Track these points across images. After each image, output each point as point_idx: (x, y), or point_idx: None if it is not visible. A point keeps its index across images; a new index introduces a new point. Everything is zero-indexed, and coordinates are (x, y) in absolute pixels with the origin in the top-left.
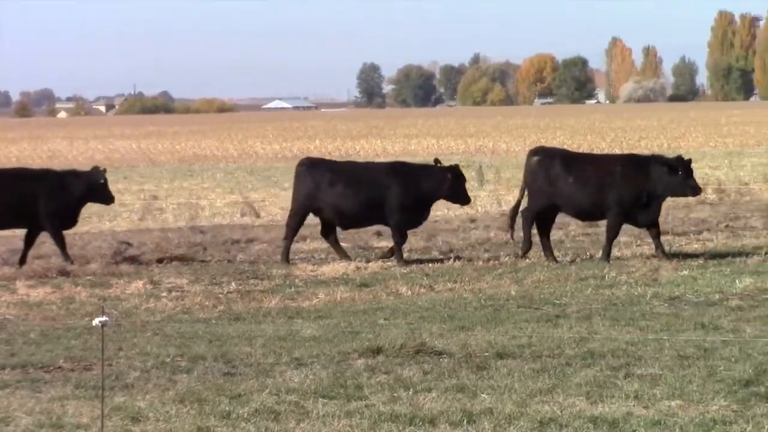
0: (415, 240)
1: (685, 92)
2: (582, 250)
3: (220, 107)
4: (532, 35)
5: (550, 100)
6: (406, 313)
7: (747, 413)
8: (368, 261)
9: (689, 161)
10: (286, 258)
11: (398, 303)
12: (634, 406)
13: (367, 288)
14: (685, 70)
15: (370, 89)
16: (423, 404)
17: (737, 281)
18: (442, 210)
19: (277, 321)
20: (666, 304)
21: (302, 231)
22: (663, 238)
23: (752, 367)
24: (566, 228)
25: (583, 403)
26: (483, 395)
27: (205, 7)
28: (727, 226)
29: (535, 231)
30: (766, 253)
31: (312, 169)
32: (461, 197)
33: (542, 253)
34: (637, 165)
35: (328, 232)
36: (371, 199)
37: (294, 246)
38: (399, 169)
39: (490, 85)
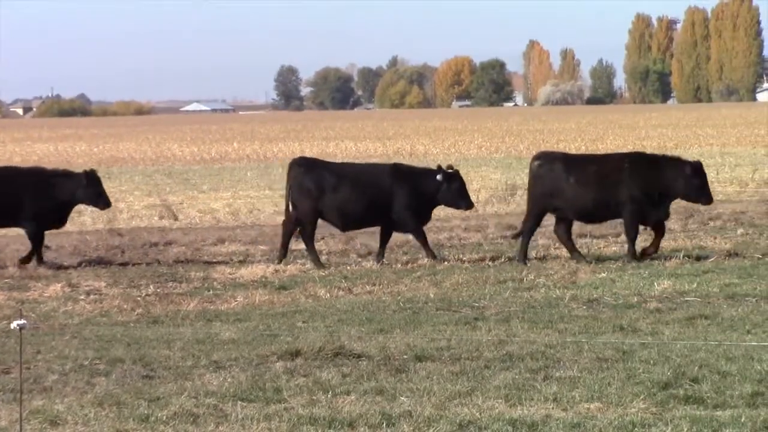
0: (333, 243)
1: (603, 95)
2: (500, 252)
3: (138, 109)
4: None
5: (468, 102)
6: (324, 316)
7: (666, 415)
8: (287, 263)
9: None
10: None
11: (317, 306)
12: (552, 408)
13: (285, 291)
14: (603, 72)
15: (287, 92)
16: (342, 407)
17: (655, 283)
18: None
19: (195, 324)
20: (584, 307)
21: (221, 233)
22: (581, 241)
23: (671, 370)
24: (484, 231)
25: (502, 406)
26: (402, 398)
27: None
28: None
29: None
30: (684, 256)
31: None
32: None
33: (461, 256)
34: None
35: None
36: (374, 201)
37: (212, 249)
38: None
39: (408, 87)
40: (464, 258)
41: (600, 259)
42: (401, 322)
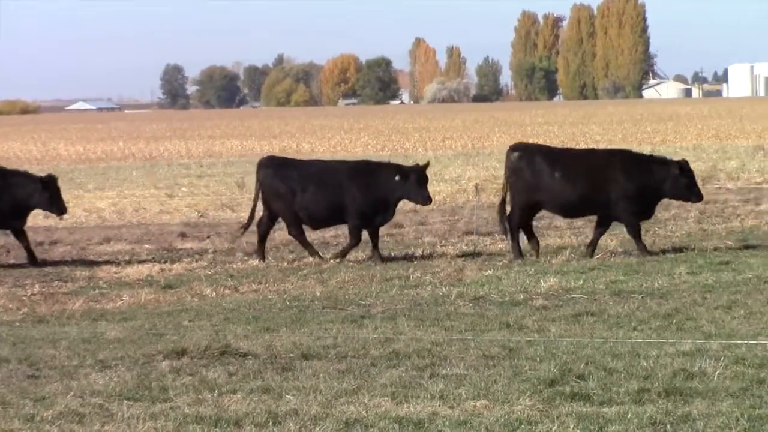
0: (219, 241)
1: (489, 93)
2: (387, 250)
3: (23, 109)
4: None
5: (354, 100)
6: (210, 315)
7: (552, 413)
8: (173, 262)
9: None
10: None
11: (203, 305)
12: (439, 406)
13: (171, 290)
14: (489, 70)
15: (173, 90)
16: (228, 406)
17: (542, 281)
18: (246, 211)
19: (81, 323)
20: (471, 304)
21: (107, 232)
22: (468, 238)
23: (557, 367)
24: None
25: (388, 404)
26: (288, 396)
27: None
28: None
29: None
30: (570, 253)
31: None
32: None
33: (355, 255)
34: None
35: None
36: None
37: (98, 248)
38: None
39: (294, 86)
40: (350, 256)
41: (487, 257)
42: (287, 321)
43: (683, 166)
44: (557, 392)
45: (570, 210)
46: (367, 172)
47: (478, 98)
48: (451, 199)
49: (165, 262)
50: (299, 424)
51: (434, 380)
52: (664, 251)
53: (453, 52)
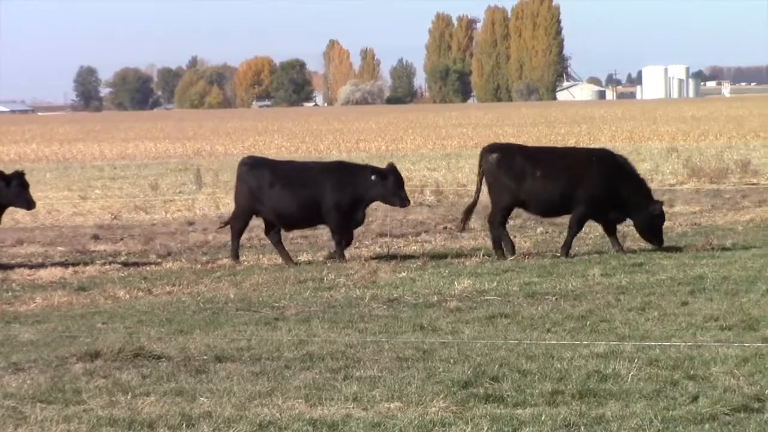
0: (132, 243)
1: (403, 95)
2: (300, 251)
3: None
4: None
5: (268, 102)
6: (124, 317)
7: (466, 414)
8: (86, 264)
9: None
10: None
11: (116, 307)
12: (353, 408)
13: (84, 292)
14: (403, 72)
15: (87, 93)
16: (142, 408)
17: (456, 283)
18: (159, 213)
19: None
20: (385, 306)
21: (20, 234)
22: (381, 240)
23: (471, 369)
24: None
25: (302, 406)
26: (202, 399)
27: None
28: (445, 227)
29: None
30: (484, 255)
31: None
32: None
33: (261, 256)
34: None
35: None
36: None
37: (11, 250)
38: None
39: (207, 88)
40: (264, 258)
41: (401, 259)
42: (201, 323)
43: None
44: (471, 394)
45: (551, 210)
46: (342, 172)
47: (392, 100)
48: None
49: (78, 264)
50: (213, 427)
51: (348, 382)
52: (577, 253)
53: (367, 54)
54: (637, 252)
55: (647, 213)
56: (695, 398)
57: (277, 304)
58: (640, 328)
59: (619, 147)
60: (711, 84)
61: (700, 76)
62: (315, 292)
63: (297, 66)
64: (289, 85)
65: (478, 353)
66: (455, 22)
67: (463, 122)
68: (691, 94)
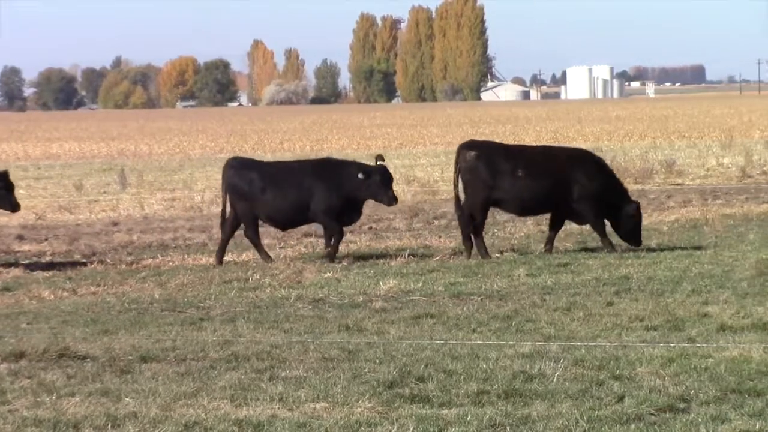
0: (57, 243)
1: (328, 95)
2: (227, 252)
3: None
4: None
5: (192, 103)
6: (49, 318)
7: (392, 415)
8: (11, 265)
9: None
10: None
11: (41, 307)
12: (278, 408)
13: (9, 292)
14: (327, 72)
15: (10, 92)
16: (67, 409)
17: (381, 283)
18: (84, 213)
19: None
20: (310, 306)
21: None
22: (307, 240)
23: (396, 369)
24: (209, 231)
25: (227, 406)
26: (127, 399)
27: None
28: (370, 228)
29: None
30: (409, 255)
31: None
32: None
33: (186, 256)
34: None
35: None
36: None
37: None
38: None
39: (131, 88)
40: (189, 258)
41: (326, 258)
42: (126, 323)
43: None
44: (397, 394)
45: (529, 209)
46: (330, 170)
47: (317, 100)
48: None
49: (2, 264)
50: (138, 427)
51: (273, 383)
52: (502, 252)
53: (291, 54)
54: (562, 252)
55: (623, 213)
56: (621, 398)
57: (202, 305)
58: (565, 329)
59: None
60: (635, 84)
61: (624, 77)
62: (240, 293)
63: (221, 66)
64: (214, 85)
65: (404, 353)
66: (380, 23)
67: (388, 122)
68: (616, 94)
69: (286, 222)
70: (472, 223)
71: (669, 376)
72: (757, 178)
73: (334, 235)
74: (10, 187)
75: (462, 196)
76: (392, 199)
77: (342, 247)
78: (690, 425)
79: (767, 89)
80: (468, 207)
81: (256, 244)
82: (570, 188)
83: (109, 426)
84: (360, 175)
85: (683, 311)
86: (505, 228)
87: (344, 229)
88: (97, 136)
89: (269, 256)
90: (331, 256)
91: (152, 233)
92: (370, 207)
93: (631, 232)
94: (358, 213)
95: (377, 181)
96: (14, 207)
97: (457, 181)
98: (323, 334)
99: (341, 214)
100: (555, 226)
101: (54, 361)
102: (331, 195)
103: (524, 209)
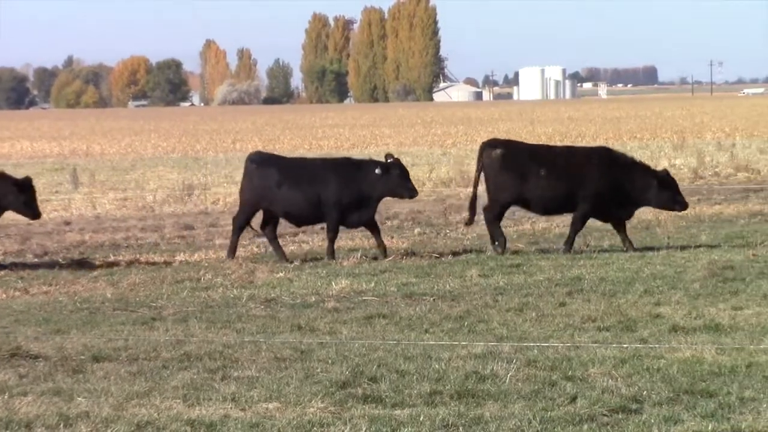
0: (9, 243)
1: (280, 95)
2: (177, 251)
3: None
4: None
5: (144, 102)
6: (0, 317)
7: (344, 415)
8: None
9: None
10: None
11: None
12: (231, 408)
13: None
14: (280, 72)
15: None
16: (19, 408)
17: (333, 283)
18: None
19: None
20: (262, 306)
21: None
22: (260, 240)
23: (349, 369)
24: (161, 230)
25: (180, 406)
26: (79, 399)
27: None
28: (322, 228)
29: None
30: (361, 255)
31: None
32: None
33: (138, 256)
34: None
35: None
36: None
37: None
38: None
39: (83, 87)
40: (141, 257)
41: (279, 258)
42: (78, 323)
43: (661, 177)
44: (349, 394)
45: (553, 207)
46: (349, 168)
47: (269, 100)
48: None
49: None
50: (90, 427)
51: (226, 382)
52: (455, 253)
53: (243, 54)
54: (515, 253)
55: (655, 190)
56: (573, 399)
57: (154, 304)
58: (518, 329)
59: None
60: (587, 85)
61: (576, 78)
62: (192, 292)
63: (173, 66)
64: (166, 84)
65: (356, 354)
66: (332, 23)
67: (340, 123)
68: (568, 95)
69: (301, 218)
70: (498, 219)
71: (621, 376)
72: (709, 179)
73: (328, 233)
74: (33, 194)
75: (478, 194)
76: (413, 192)
77: (295, 247)
78: (642, 426)
79: (719, 90)
80: (491, 204)
81: (272, 241)
82: (590, 187)
83: (62, 425)
84: (377, 171)
85: (635, 312)
86: (457, 228)
87: (353, 229)
88: (48, 135)
89: (285, 256)
90: (329, 255)
91: (104, 233)
92: None
93: (671, 199)
94: (371, 211)
95: (396, 175)
96: (36, 215)
97: (478, 180)
98: (275, 334)
99: (350, 213)
100: (616, 227)
101: (6, 361)
102: (343, 192)
103: (547, 209)
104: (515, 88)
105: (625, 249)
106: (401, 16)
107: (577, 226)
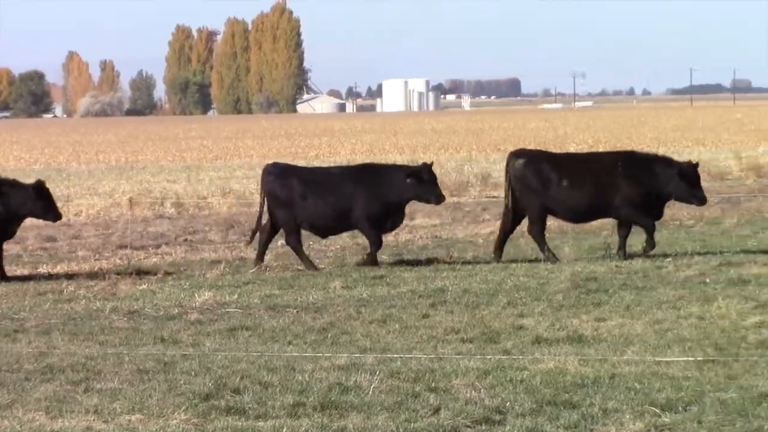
0: None
1: (143, 107)
2: (40, 263)
3: None
4: None
5: (6, 114)
6: None
7: (207, 426)
8: None
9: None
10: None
11: None
12: (94, 420)
13: None
14: (143, 84)
15: None
16: None
17: (196, 295)
18: None
19: None
20: (125, 318)
21: None
22: (122, 252)
23: (212, 381)
24: (24, 242)
25: (43, 418)
26: None
27: None
28: (186, 239)
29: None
30: (224, 267)
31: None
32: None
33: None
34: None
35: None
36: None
37: None
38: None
39: None
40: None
41: (141, 271)
42: None
43: (684, 170)
44: (212, 406)
45: (581, 216)
46: (375, 175)
47: (132, 112)
48: (105, 213)
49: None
50: None
51: (89, 394)
52: (320, 268)
53: (106, 66)
54: (382, 265)
55: (677, 182)
56: (437, 410)
57: (16, 316)
58: (381, 341)
59: (359, 160)
60: (451, 97)
61: (440, 89)
62: (55, 304)
63: (36, 77)
64: (28, 96)
65: (220, 365)
66: (195, 35)
67: (203, 134)
68: (431, 107)
69: (327, 229)
70: (508, 230)
71: (485, 388)
72: None
73: (371, 244)
74: (50, 196)
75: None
76: (440, 197)
77: (157, 259)
78: None
79: (582, 101)
80: (528, 217)
81: (298, 251)
82: (617, 193)
83: None
84: (408, 180)
85: (499, 323)
86: (321, 241)
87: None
88: None
89: (313, 264)
90: (369, 263)
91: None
92: (185, 219)
93: (689, 191)
94: (401, 216)
95: (426, 181)
96: (56, 216)
97: (509, 190)
98: (138, 346)
99: (384, 220)
100: (619, 230)
101: None
102: (375, 201)
103: (576, 216)
104: (378, 100)
105: (642, 250)
106: (264, 28)
107: (648, 226)
